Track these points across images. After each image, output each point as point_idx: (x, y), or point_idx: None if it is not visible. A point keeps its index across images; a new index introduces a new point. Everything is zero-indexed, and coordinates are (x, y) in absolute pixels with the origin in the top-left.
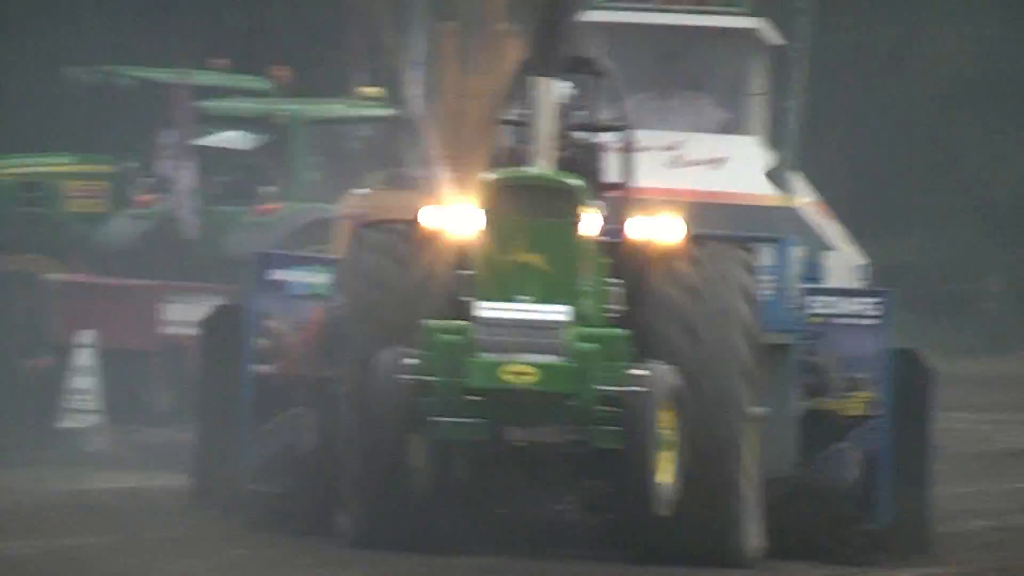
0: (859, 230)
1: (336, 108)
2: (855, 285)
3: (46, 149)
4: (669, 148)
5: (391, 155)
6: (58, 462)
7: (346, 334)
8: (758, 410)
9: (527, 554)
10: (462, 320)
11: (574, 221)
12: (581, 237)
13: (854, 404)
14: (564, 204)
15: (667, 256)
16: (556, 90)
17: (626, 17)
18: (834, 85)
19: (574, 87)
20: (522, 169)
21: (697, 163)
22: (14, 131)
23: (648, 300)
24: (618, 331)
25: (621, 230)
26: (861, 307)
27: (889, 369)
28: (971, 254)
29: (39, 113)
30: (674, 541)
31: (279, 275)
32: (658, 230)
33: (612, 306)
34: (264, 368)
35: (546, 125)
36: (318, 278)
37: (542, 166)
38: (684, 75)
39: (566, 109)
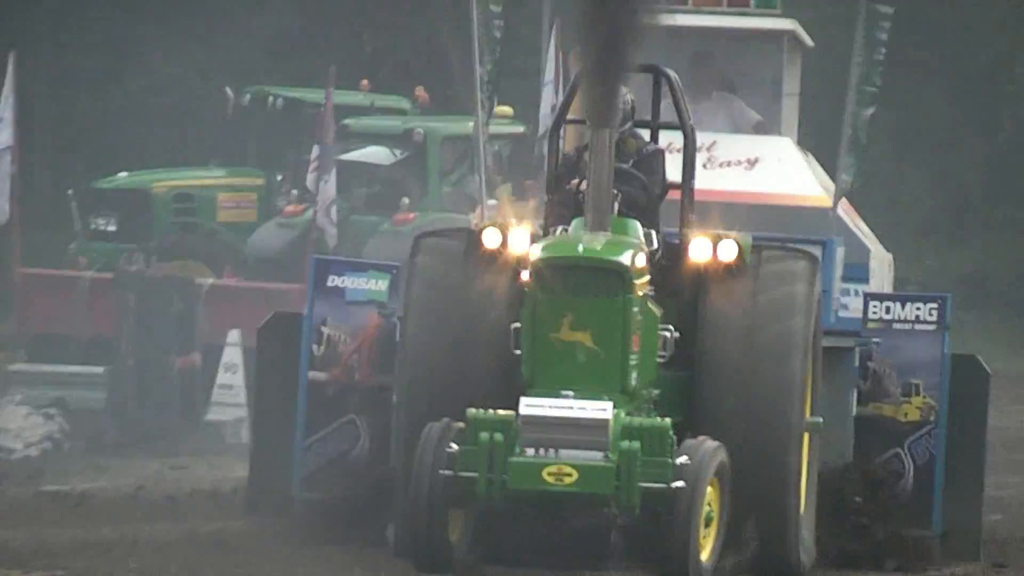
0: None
1: (469, 125)
2: (889, 283)
3: (201, 163)
4: (704, 148)
5: (520, 169)
6: (204, 452)
7: (404, 334)
8: (814, 419)
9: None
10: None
11: (623, 299)
12: (630, 312)
13: (911, 409)
14: (612, 282)
15: (727, 275)
16: (613, 142)
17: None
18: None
19: (630, 94)
20: (571, 245)
21: (730, 164)
22: (172, 146)
23: (707, 321)
24: (661, 422)
25: (683, 241)
26: (919, 312)
27: (946, 374)
28: None
29: (196, 130)
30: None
31: (338, 281)
32: (719, 251)
33: (662, 352)
34: (319, 375)
35: (602, 175)
36: (375, 284)
37: (595, 219)
38: (718, 76)
39: (627, 114)
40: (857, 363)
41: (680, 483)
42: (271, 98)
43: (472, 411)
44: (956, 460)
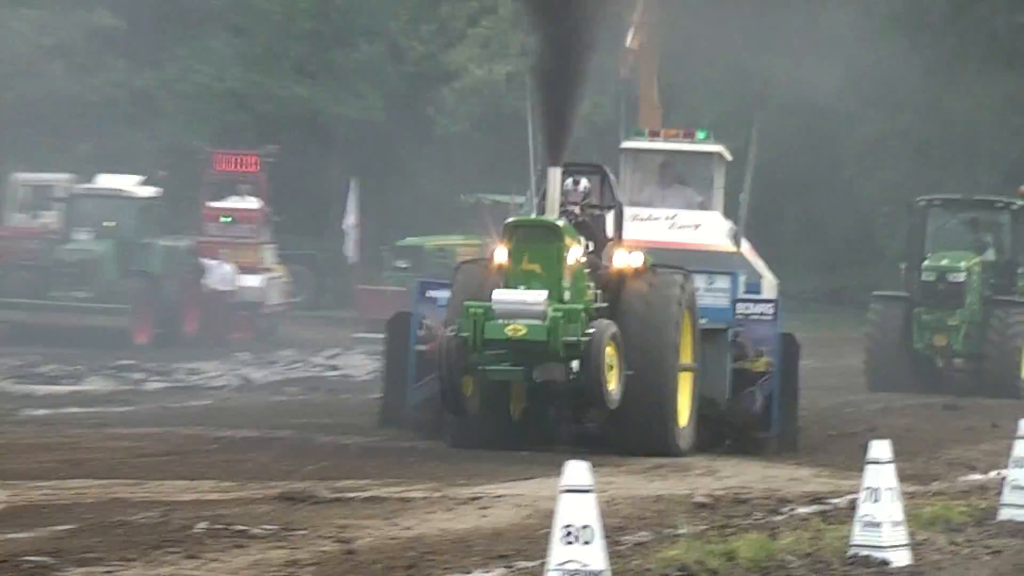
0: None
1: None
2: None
3: (448, 232)
4: (668, 218)
5: None
6: None
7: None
8: (691, 364)
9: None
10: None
11: (559, 245)
12: (564, 255)
13: (760, 364)
14: (552, 235)
15: (632, 277)
16: (559, 178)
17: (641, 144)
18: None
19: (588, 183)
20: (528, 215)
21: (684, 227)
22: (433, 223)
23: (620, 303)
24: (577, 305)
25: (608, 263)
26: (763, 309)
27: (777, 344)
28: None
29: (443, 217)
30: (628, 438)
31: (432, 293)
32: (628, 260)
33: (597, 304)
34: (421, 347)
35: (553, 196)
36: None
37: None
38: (675, 175)
39: (584, 194)
40: (731, 339)
41: (585, 338)
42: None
43: (468, 302)
44: (783, 393)
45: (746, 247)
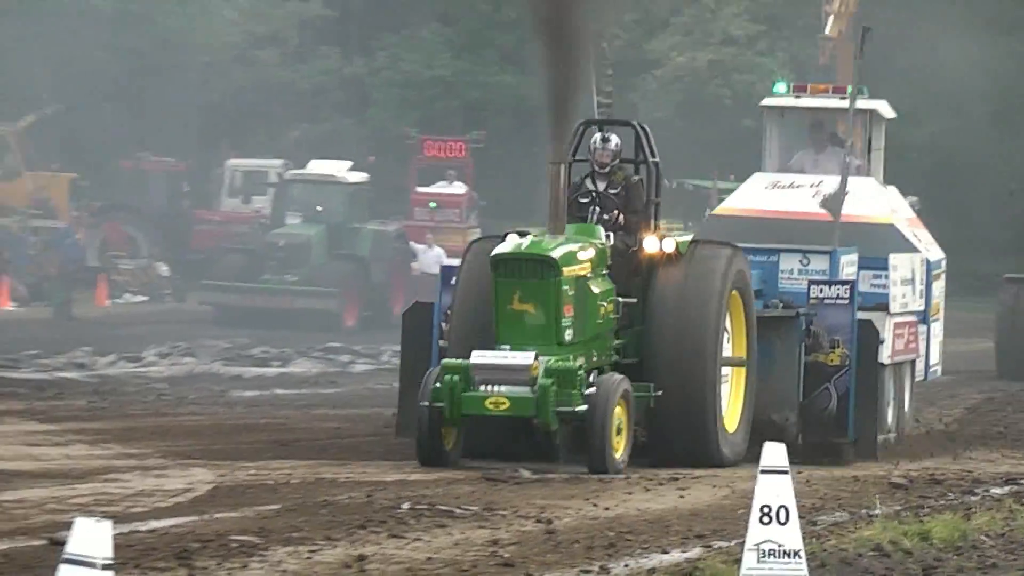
0: None
1: None
2: (920, 279)
3: None
4: (813, 186)
5: None
6: None
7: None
8: (737, 357)
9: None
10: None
11: (556, 281)
12: (562, 291)
13: (835, 357)
14: (546, 270)
15: (664, 265)
16: (564, 174)
17: (792, 102)
18: None
19: (619, 140)
20: (518, 244)
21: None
22: None
23: (651, 297)
24: (572, 364)
25: (640, 244)
26: (838, 291)
27: (854, 333)
28: None
29: None
30: (665, 446)
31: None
32: (663, 245)
33: (615, 315)
34: (444, 343)
35: (557, 199)
36: None
37: (553, 225)
38: (830, 137)
39: (614, 153)
40: (804, 327)
41: (583, 407)
42: None
43: (445, 360)
44: (860, 391)
45: (905, 218)
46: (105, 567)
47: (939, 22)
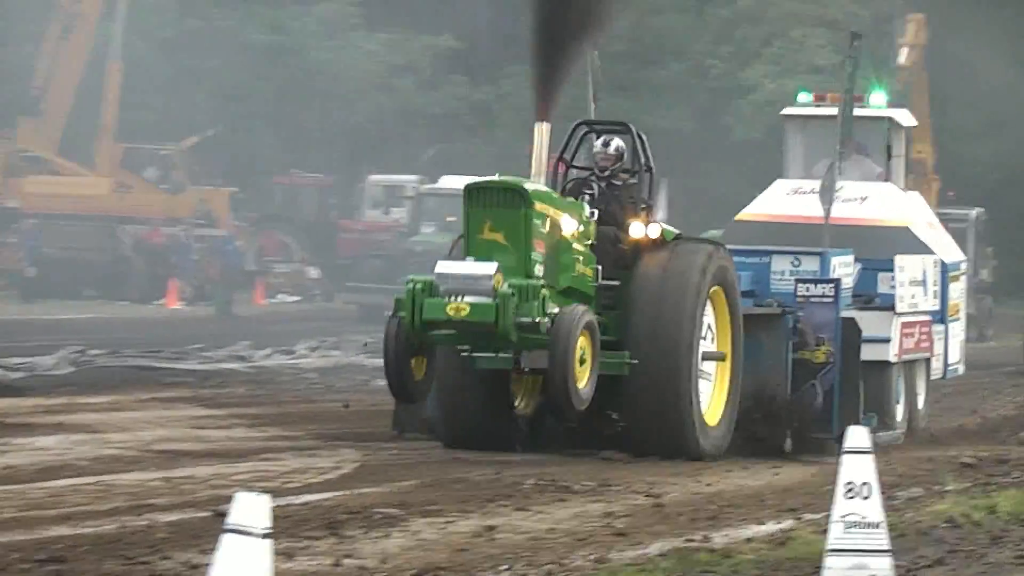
0: None
1: None
2: (932, 280)
3: None
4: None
5: None
6: None
7: None
8: (718, 351)
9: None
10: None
11: (527, 212)
12: (532, 223)
13: (820, 354)
14: (516, 199)
15: (648, 251)
16: (547, 132)
17: (806, 111)
18: None
19: (621, 144)
20: (492, 177)
21: (848, 200)
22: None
23: (637, 276)
24: (535, 282)
25: (626, 226)
26: (823, 289)
27: (838, 331)
28: None
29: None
30: (640, 437)
31: None
32: (648, 231)
33: (599, 283)
34: None
35: (539, 157)
36: None
37: (535, 180)
38: (854, 145)
39: (616, 157)
40: (791, 325)
41: (545, 320)
42: None
43: (412, 275)
44: (844, 387)
45: (924, 222)
46: (264, 536)
47: (1003, 47)
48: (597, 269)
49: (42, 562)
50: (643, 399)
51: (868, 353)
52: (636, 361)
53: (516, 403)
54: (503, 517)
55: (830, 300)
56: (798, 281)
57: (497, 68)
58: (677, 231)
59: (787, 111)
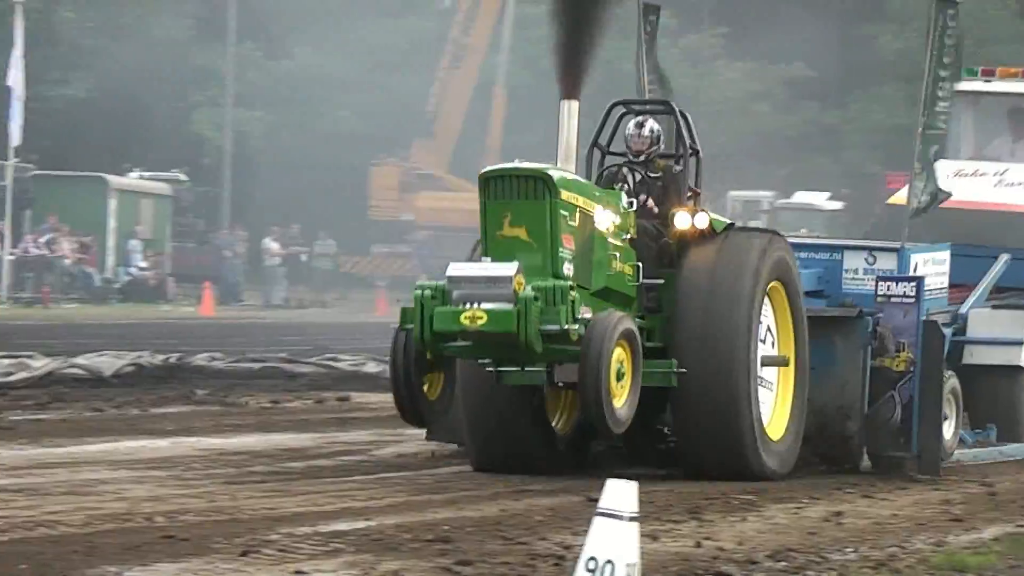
0: None
1: None
2: None
3: None
4: (996, 174)
5: None
6: None
7: None
8: (780, 356)
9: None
10: None
11: (553, 203)
12: (559, 215)
13: (901, 362)
14: (541, 188)
15: (695, 244)
16: (575, 112)
17: (980, 86)
18: None
19: (657, 126)
20: (510, 164)
21: (1012, 184)
22: None
23: (678, 279)
24: (563, 283)
25: (671, 217)
26: (904, 288)
27: (919, 335)
28: None
29: None
30: (694, 455)
31: None
32: (696, 221)
33: (639, 282)
34: None
35: (567, 140)
36: None
37: (566, 165)
38: None
39: (651, 140)
40: (869, 328)
41: (575, 327)
42: None
43: (420, 281)
44: (924, 400)
45: None
46: (631, 519)
47: None
48: (638, 267)
49: (430, 542)
50: (695, 412)
51: (996, 356)
52: (685, 370)
53: (553, 421)
54: (849, 504)
55: (911, 301)
56: (879, 279)
57: (845, 93)
58: (728, 220)
59: (961, 86)
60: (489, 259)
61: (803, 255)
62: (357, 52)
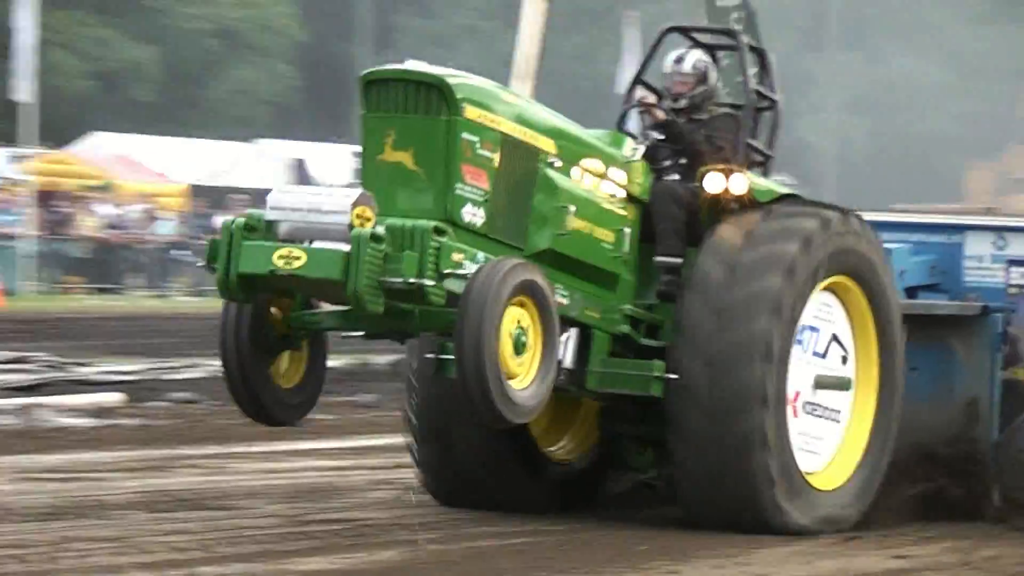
0: None
1: None
2: None
3: None
4: None
5: None
6: None
7: None
8: (842, 376)
9: None
10: None
11: (447, 119)
12: (455, 135)
13: None
14: (433, 99)
15: (727, 214)
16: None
17: None
18: None
19: (704, 60)
20: (395, 65)
21: None
22: None
23: (701, 249)
24: (423, 223)
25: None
26: None
27: None
28: None
29: None
30: (695, 497)
31: None
32: (731, 184)
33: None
34: None
35: (526, 51)
36: None
37: (518, 86)
38: None
39: (696, 79)
40: (999, 330)
41: (433, 283)
42: None
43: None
44: None
45: None
46: None
47: None
48: (623, 233)
49: None
50: (693, 440)
51: None
52: (676, 376)
53: (555, 445)
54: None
55: None
56: (1011, 262)
57: None
58: (786, 189)
59: None
60: (375, 191)
61: (911, 237)
62: (950, 59)
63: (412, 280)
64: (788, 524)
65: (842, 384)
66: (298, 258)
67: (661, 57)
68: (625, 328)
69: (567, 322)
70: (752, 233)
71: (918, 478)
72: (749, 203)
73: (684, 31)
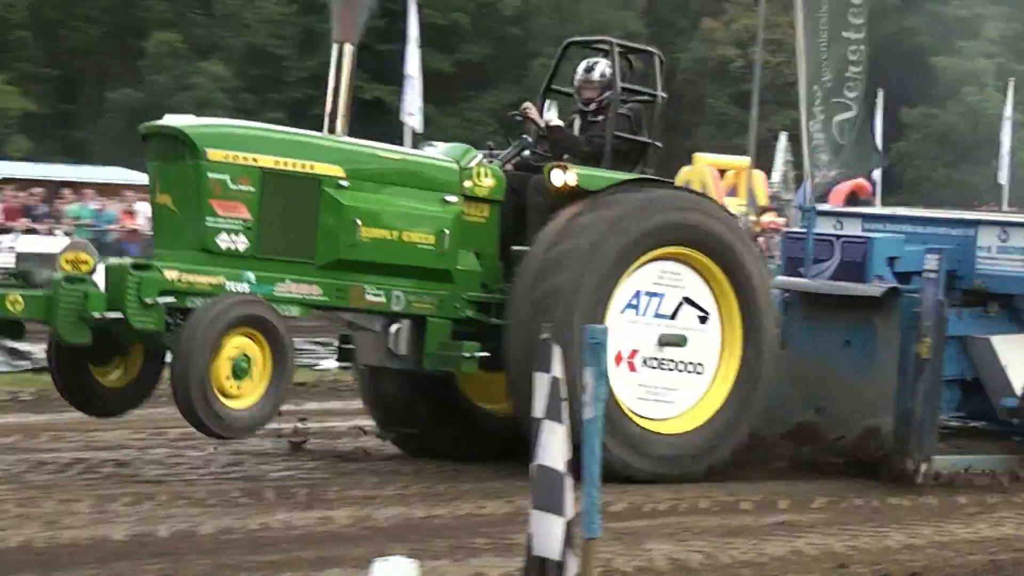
0: None
1: None
2: None
3: None
4: None
5: None
6: None
7: None
8: (673, 334)
9: None
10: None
11: (194, 164)
12: (204, 177)
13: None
14: (185, 149)
15: (569, 202)
16: (350, 56)
17: None
18: None
19: (608, 68)
20: (158, 122)
21: None
22: None
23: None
24: (123, 261)
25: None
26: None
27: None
28: None
29: None
30: None
31: None
32: (567, 178)
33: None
34: None
35: (338, 91)
36: None
37: (340, 124)
38: None
39: (603, 85)
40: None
41: (144, 320)
42: None
43: None
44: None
45: None
46: None
47: None
48: (444, 233)
49: None
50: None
51: None
52: (487, 353)
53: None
54: None
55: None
56: None
57: None
58: (636, 174)
59: None
60: (156, 237)
61: (925, 230)
62: None
63: (99, 315)
64: (626, 468)
65: (679, 341)
66: (18, 303)
67: (561, 68)
68: (469, 312)
69: (396, 316)
70: (581, 212)
71: (837, 441)
72: (580, 193)
73: (583, 43)
